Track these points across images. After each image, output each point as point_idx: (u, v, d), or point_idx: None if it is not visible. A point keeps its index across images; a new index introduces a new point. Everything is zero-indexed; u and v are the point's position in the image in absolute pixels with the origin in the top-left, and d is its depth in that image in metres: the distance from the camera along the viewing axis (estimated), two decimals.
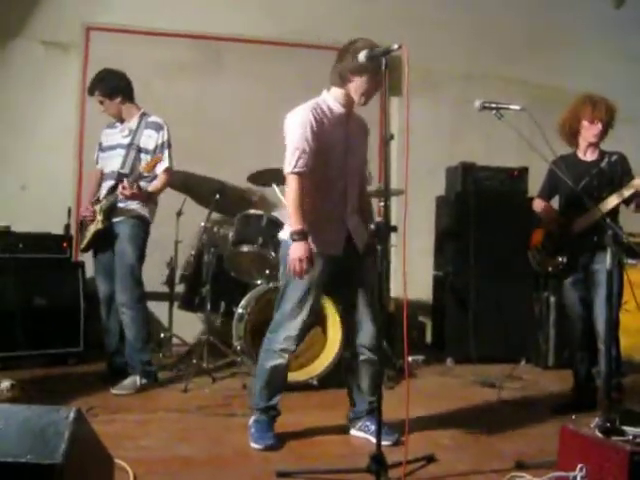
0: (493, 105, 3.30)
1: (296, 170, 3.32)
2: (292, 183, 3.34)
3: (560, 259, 4.17)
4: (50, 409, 2.04)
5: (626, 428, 2.67)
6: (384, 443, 3.05)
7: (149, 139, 4.56)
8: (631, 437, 2.61)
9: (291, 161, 3.33)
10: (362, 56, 3.07)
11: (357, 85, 3.37)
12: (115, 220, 4.53)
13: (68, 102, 6.05)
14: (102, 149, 4.79)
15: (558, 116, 4.31)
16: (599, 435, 2.66)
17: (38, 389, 4.36)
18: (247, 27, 6.32)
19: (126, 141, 4.61)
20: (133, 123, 4.64)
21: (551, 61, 6.85)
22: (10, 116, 6.00)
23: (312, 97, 3.48)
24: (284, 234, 3.51)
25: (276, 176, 4.80)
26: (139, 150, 4.56)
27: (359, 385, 3.63)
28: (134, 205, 4.54)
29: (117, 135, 4.69)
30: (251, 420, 3.54)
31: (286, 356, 3.48)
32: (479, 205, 5.78)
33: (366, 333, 3.53)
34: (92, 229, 4.56)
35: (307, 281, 3.38)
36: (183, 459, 3.28)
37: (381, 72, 3.01)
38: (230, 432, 3.67)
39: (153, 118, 4.64)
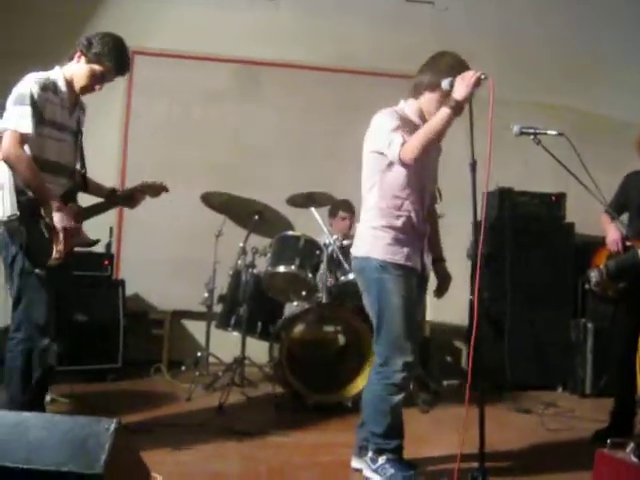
0: (531, 130, 3.30)
1: (403, 141, 3.03)
2: (406, 156, 3.03)
3: (621, 285, 4.04)
4: (92, 420, 2.09)
5: None
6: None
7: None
8: None
9: (393, 141, 3.06)
10: (445, 84, 3.06)
11: (426, 100, 3.23)
12: None
13: (112, 125, 6.20)
14: (50, 123, 3.29)
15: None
16: (634, 459, 2.64)
17: (77, 404, 4.44)
18: (285, 52, 6.43)
19: (75, 127, 3.48)
20: (80, 103, 3.53)
21: (589, 88, 6.83)
22: None
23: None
24: (364, 251, 3.22)
25: (314, 199, 4.85)
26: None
27: None
28: None
29: (64, 113, 3.39)
30: (383, 460, 3.18)
31: (408, 385, 3.25)
32: (516, 230, 5.78)
33: None
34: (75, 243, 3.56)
35: (404, 300, 3.12)
36: (217, 475, 3.33)
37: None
38: (264, 450, 3.70)
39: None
